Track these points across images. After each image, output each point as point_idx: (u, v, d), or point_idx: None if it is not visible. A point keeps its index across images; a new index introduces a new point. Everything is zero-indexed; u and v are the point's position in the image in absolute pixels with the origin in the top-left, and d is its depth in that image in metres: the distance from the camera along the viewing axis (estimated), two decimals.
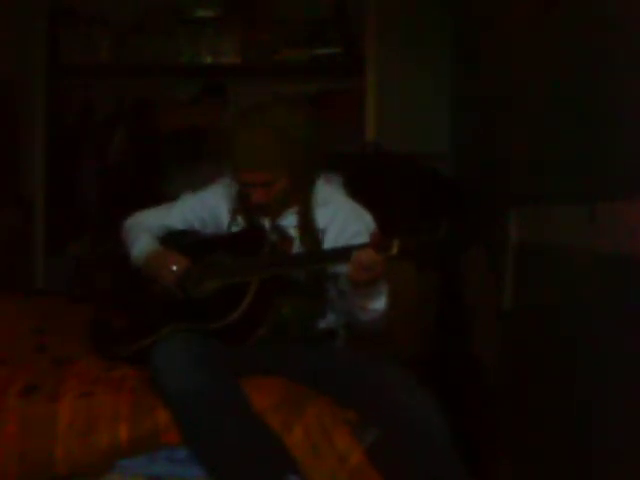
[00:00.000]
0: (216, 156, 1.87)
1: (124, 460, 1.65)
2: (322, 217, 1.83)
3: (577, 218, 1.72)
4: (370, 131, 3.52)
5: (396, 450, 1.62)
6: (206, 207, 1.93)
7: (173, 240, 1.92)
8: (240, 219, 1.86)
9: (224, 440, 1.58)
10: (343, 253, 1.63)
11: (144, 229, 1.94)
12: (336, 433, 1.64)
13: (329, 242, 1.80)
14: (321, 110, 3.71)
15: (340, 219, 1.82)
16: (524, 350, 2.23)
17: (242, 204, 1.85)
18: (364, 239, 1.67)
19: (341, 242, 1.76)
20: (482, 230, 2.60)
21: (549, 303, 2.01)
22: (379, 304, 1.72)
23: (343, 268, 1.65)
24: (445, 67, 3.43)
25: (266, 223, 1.83)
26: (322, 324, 1.85)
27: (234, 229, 1.87)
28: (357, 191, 1.94)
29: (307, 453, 1.61)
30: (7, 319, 2.27)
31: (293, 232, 1.82)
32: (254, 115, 1.75)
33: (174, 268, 1.80)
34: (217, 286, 1.77)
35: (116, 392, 1.68)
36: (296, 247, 1.82)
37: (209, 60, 3.76)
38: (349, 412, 1.69)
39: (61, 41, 3.73)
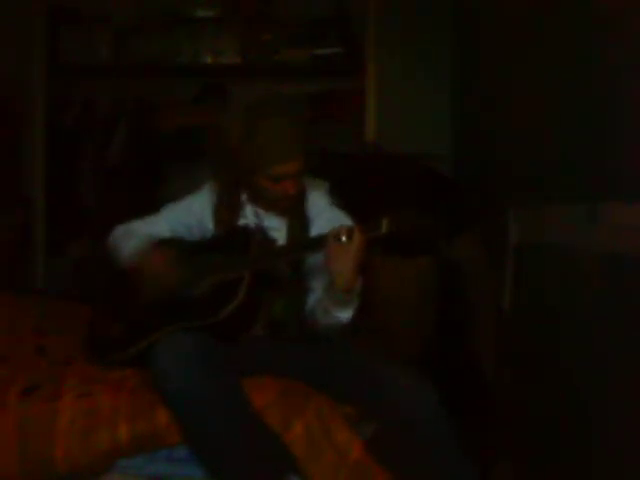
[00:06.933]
0: (220, 161, 1.85)
1: (124, 460, 1.65)
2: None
3: (577, 218, 1.72)
4: (370, 131, 3.52)
5: (396, 446, 1.62)
6: (192, 214, 1.93)
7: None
8: (225, 222, 1.86)
9: (224, 440, 1.58)
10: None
11: (132, 237, 1.92)
12: (335, 429, 1.64)
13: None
14: (321, 110, 3.71)
15: (321, 221, 1.82)
16: (524, 349, 2.23)
17: (263, 200, 1.82)
18: None
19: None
20: (482, 230, 2.61)
21: (549, 303, 2.01)
22: (345, 315, 1.70)
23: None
24: (445, 67, 3.43)
25: (251, 225, 1.84)
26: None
27: (220, 232, 1.87)
28: (356, 191, 1.94)
29: (307, 449, 1.62)
30: (7, 319, 2.27)
31: (275, 234, 1.82)
32: (267, 110, 1.75)
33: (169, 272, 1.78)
34: (210, 285, 1.77)
35: (116, 392, 1.68)
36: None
37: (209, 60, 3.76)
38: (348, 407, 1.69)
39: (61, 41, 3.73)
